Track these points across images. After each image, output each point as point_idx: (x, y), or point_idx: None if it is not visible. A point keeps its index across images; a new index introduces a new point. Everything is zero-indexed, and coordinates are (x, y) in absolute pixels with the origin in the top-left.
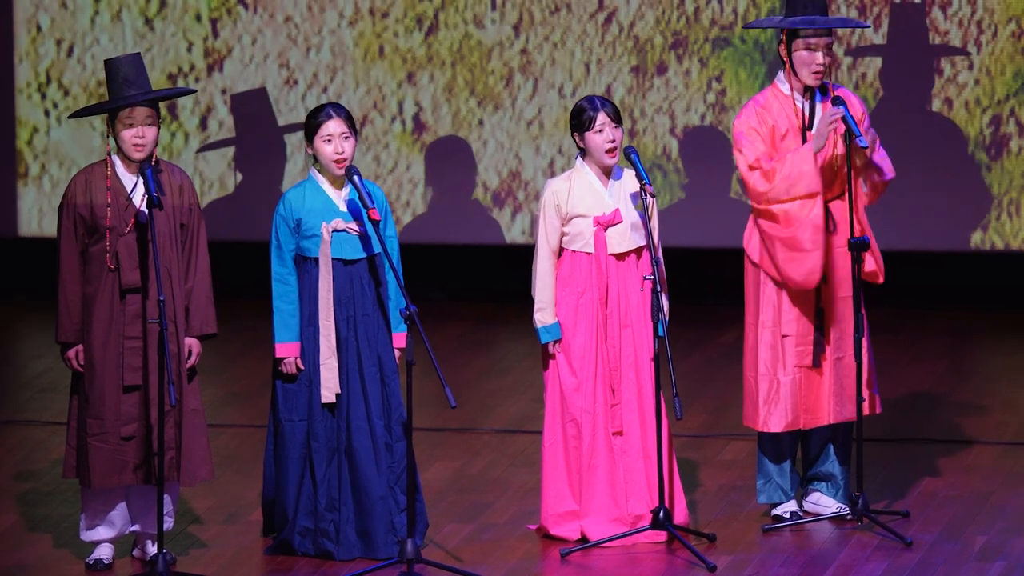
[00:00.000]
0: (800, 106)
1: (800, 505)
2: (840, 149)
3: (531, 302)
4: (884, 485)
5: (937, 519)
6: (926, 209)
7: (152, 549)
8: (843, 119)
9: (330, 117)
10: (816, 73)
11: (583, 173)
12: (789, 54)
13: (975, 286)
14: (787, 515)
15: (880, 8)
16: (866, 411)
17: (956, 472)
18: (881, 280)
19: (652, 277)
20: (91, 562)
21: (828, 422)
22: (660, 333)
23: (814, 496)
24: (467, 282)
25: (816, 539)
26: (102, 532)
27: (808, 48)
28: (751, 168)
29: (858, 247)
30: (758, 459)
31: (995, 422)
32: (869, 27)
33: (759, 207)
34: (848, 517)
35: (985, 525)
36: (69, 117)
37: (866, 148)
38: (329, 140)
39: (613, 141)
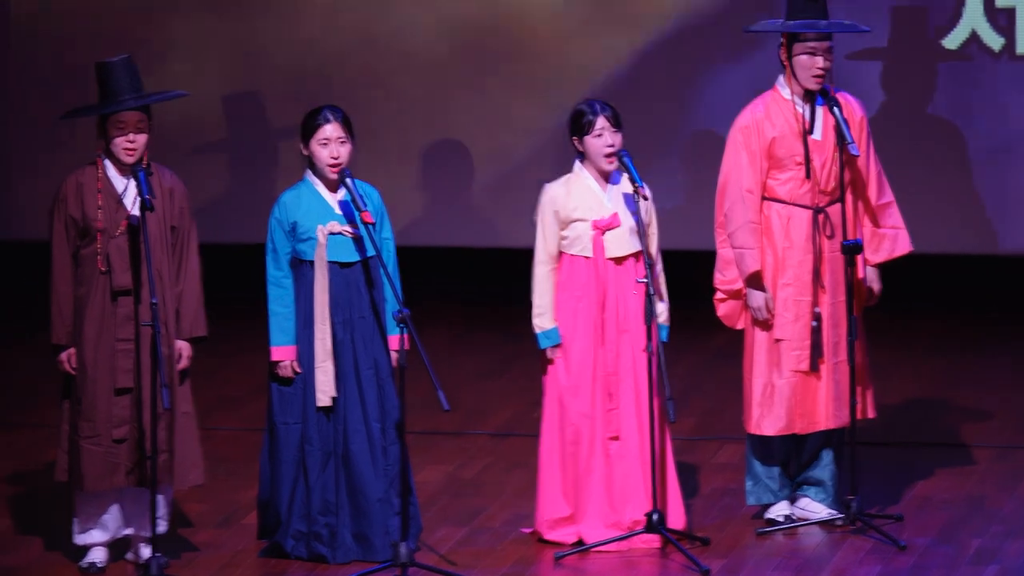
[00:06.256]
0: (800, 111)
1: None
2: (836, 154)
3: (524, 305)
4: (878, 489)
5: (931, 523)
6: (919, 212)
7: (145, 552)
8: (836, 124)
9: (328, 121)
10: (817, 77)
11: (581, 177)
12: (789, 58)
13: (969, 289)
14: (780, 518)
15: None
16: (859, 415)
17: (950, 476)
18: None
19: (645, 280)
20: (84, 565)
21: (826, 427)
22: (663, 338)
23: (803, 501)
24: (460, 284)
25: (810, 543)
26: (95, 535)
27: (808, 52)
28: (749, 191)
29: (850, 250)
30: (747, 460)
31: (989, 425)
32: (870, 31)
33: (717, 219)
34: (839, 522)
35: (979, 529)
36: (60, 119)
37: (857, 156)
38: (325, 144)
39: (612, 146)
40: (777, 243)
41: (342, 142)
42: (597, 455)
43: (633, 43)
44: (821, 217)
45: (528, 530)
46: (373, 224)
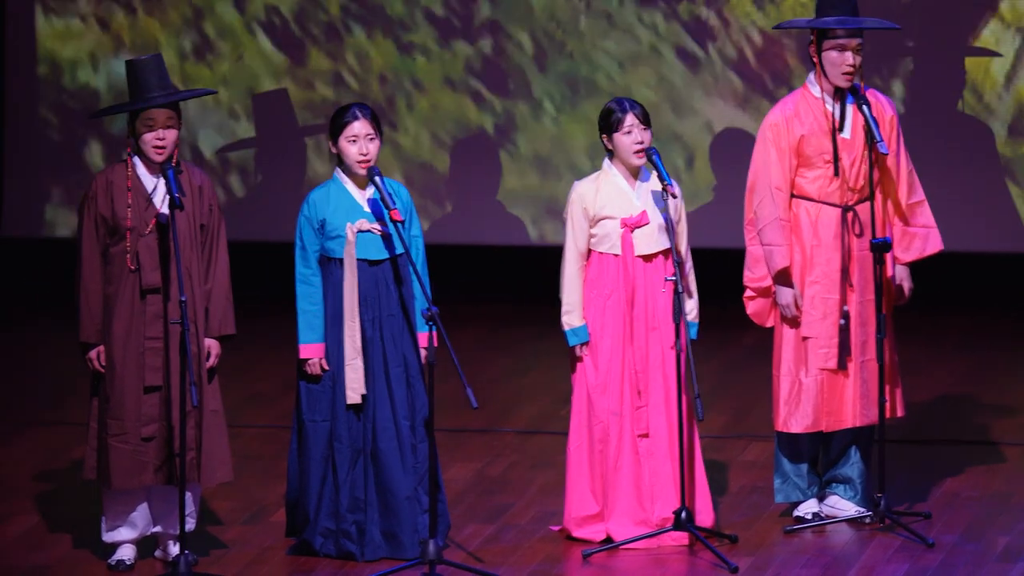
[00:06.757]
0: (830, 109)
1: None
2: (865, 152)
3: (553, 303)
4: (905, 486)
5: (959, 520)
6: (949, 209)
7: (174, 550)
8: (865, 122)
9: (356, 118)
10: (846, 74)
11: (610, 175)
12: (819, 55)
13: (999, 286)
14: (809, 516)
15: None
16: (887, 413)
17: (978, 473)
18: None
19: (674, 278)
20: (113, 563)
21: (852, 425)
22: (692, 336)
23: (831, 499)
24: (488, 282)
25: (838, 540)
26: (124, 533)
27: (838, 49)
28: (778, 188)
29: (879, 248)
30: (775, 458)
31: (1017, 423)
32: (900, 28)
33: (747, 217)
34: (867, 520)
35: (1007, 526)
36: (89, 117)
37: (887, 155)
38: (354, 141)
39: (641, 143)
40: (805, 241)
41: (371, 139)
42: (626, 452)
43: (662, 41)
44: (850, 215)
45: (556, 527)
46: (402, 222)
